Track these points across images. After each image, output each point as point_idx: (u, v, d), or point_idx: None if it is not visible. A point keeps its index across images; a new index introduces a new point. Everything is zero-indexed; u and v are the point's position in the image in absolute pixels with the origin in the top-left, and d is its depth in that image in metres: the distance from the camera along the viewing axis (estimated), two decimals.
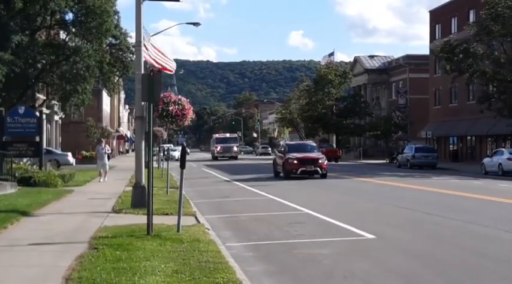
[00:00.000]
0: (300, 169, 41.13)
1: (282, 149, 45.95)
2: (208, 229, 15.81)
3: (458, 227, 17.35)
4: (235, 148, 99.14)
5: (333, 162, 74.26)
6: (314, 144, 50.85)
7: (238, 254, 12.61)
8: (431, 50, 77.92)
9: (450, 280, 10.66)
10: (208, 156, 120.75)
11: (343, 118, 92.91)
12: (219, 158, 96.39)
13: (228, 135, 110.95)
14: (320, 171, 41.08)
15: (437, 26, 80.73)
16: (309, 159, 41.98)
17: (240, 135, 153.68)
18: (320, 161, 41.69)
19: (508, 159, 46.12)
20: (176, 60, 24.34)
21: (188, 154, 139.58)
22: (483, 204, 24.07)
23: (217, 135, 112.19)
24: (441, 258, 12.81)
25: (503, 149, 50.93)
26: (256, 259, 12.57)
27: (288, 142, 62.65)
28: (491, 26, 48.96)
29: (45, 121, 45.55)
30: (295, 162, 41.41)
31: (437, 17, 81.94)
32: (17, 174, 31.03)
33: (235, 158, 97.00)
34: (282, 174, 42.81)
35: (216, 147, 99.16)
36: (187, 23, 77.45)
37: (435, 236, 15.72)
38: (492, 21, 48.86)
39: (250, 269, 11.18)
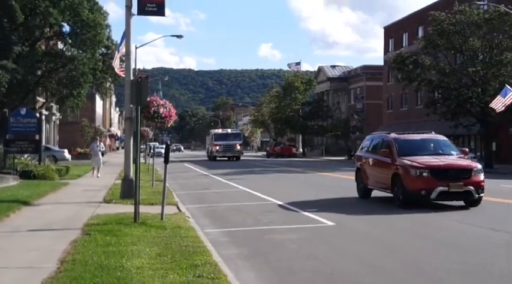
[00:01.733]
0: (437, 190, 18.47)
1: (385, 146, 21.77)
2: (189, 217, 15.80)
3: (409, 216, 17.44)
4: (238, 147, 74.63)
5: (287, 159, 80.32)
6: (443, 138, 24.13)
7: (215, 240, 12.64)
8: (385, 61, 78.85)
9: (401, 262, 10.72)
10: (198, 154, 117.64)
11: (308, 121, 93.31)
12: (218, 158, 72.08)
13: (229, 130, 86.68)
14: (475, 193, 18.66)
15: (390, 40, 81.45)
16: (454, 169, 19.55)
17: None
18: (474, 175, 19.30)
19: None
20: (161, 68, 24.72)
21: (181, 151, 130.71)
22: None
23: (216, 130, 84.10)
24: (392, 242, 12.91)
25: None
26: (231, 244, 12.61)
27: (396, 136, 22.44)
28: (437, 41, 49.35)
29: (44, 122, 45.34)
30: (428, 176, 18.89)
31: (390, 32, 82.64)
32: (18, 168, 30.99)
33: (238, 158, 73.42)
34: (399, 198, 19.47)
35: (215, 145, 72.57)
36: (171, 35, 77.47)
37: (387, 223, 15.83)
38: (438, 37, 49.23)
39: (225, 252, 11.21)
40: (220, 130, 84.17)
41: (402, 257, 11.15)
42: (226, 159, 71.63)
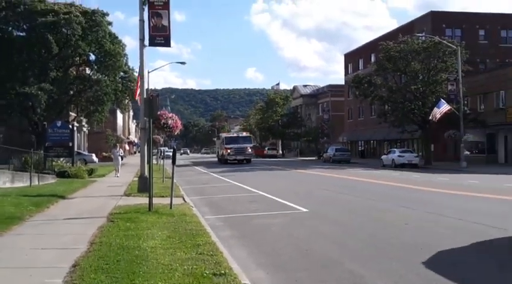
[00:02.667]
0: None
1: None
2: (192, 207, 15.80)
3: (365, 203, 17.53)
4: (249, 150, 60.93)
5: (270, 159, 78.84)
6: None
7: (212, 224, 12.62)
8: (345, 81, 79.37)
9: (360, 240, 10.78)
10: (205, 158, 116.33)
11: (285, 129, 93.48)
12: (229, 161, 58.24)
13: (240, 133, 69.64)
14: None
15: (349, 64, 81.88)
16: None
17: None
18: None
19: (398, 156, 46.99)
20: (168, 88, 24.71)
21: (188, 154, 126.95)
22: (382, 187, 24.34)
23: (227, 134, 71.69)
24: (353, 224, 12.97)
25: (395, 149, 51.80)
26: (225, 227, 12.59)
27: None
28: (386, 65, 49.73)
29: (75, 132, 45.17)
30: None
31: (349, 58, 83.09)
32: (56, 169, 31.08)
33: (249, 161, 59.23)
34: None
35: (226, 149, 59.54)
36: (176, 62, 77.60)
37: (348, 210, 15.87)
38: (387, 61, 49.57)
39: (221, 234, 11.21)
40: (231, 134, 70.73)
41: (360, 236, 11.22)
42: (236, 162, 57.60)
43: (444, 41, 46.74)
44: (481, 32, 59.61)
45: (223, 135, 68.03)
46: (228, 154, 57.45)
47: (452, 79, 45.89)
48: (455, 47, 45.00)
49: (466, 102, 46.26)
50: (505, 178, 28.84)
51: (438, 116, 41.86)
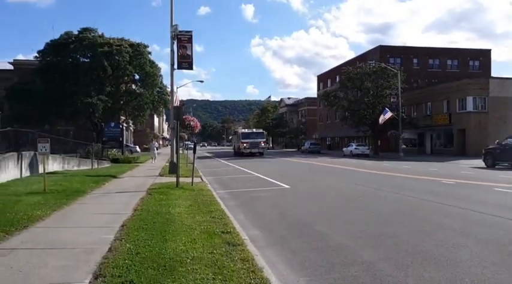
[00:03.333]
0: None
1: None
2: (207, 184, 15.78)
3: (330, 182, 17.55)
4: (262, 144, 51.68)
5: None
6: None
7: (221, 196, 12.61)
8: (318, 95, 78.94)
9: (325, 208, 10.79)
10: (215, 148, 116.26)
11: (275, 128, 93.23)
12: (245, 154, 49.08)
13: (254, 129, 59.85)
14: None
15: (320, 83, 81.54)
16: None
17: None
18: None
19: (355, 148, 47.10)
20: (191, 100, 24.71)
21: (206, 146, 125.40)
22: (345, 171, 24.34)
23: (243, 130, 60.36)
24: (321, 197, 12.99)
25: (352, 143, 51.64)
26: (230, 198, 12.57)
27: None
28: (347, 83, 49.73)
29: (124, 130, 45.07)
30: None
31: (320, 78, 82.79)
32: (110, 157, 31.01)
33: (262, 154, 49.65)
34: None
35: (242, 143, 50.46)
36: (197, 81, 77.08)
37: (317, 186, 15.90)
38: (347, 81, 49.56)
39: (227, 203, 11.17)
40: (246, 130, 58.02)
41: (326, 205, 11.24)
42: (250, 154, 48.12)
43: (388, 67, 46.69)
44: (415, 60, 59.58)
45: (240, 130, 56.57)
46: (244, 147, 47.98)
47: (394, 94, 45.88)
48: (396, 71, 44.97)
49: (403, 110, 46.21)
50: (429, 164, 28.91)
51: (383, 120, 41.94)
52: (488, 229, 7.85)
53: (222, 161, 36.94)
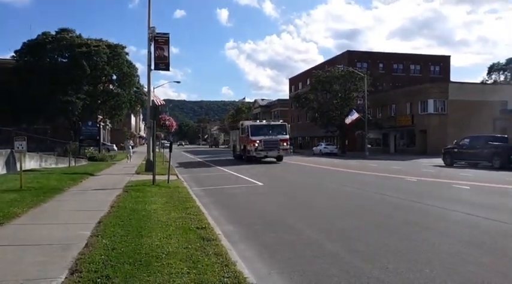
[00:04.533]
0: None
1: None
2: (183, 181, 15.64)
3: (300, 178, 17.67)
4: (285, 144, 29.39)
5: None
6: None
7: (197, 193, 12.52)
8: (290, 97, 79.51)
9: (298, 206, 10.84)
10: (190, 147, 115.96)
11: None
12: (256, 158, 29.09)
13: (271, 121, 34.13)
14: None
15: (292, 86, 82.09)
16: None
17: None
18: None
19: (324, 147, 47.71)
20: (167, 100, 24.40)
21: (183, 145, 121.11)
22: (312, 168, 24.55)
23: (251, 122, 32.50)
24: (292, 193, 13.06)
25: (322, 143, 52.32)
26: (205, 195, 12.49)
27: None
28: (317, 86, 50.19)
29: (101, 129, 44.22)
30: None
31: (292, 81, 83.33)
32: (87, 155, 30.33)
33: (281, 159, 30.37)
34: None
35: (253, 142, 28.75)
36: (173, 81, 77.14)
37: (289, 183, 15.98)
38: (317, 84, 50.02)
39: (203, 200, 11.08)
40: (258, 122, 33.40)
41: (296, 201, 11.30)
42: (264, 157, 29.60)
43: (356, 71, 47.37)
44: (380, 65, 60.70)
45: (248, 123, 32.39)
46: (256, 149, 28.76)
47: (361, 96, 46.49)
48: (363, 75, 45.64)
49: (369, 112, 46.95)
50: (393, 163, 29.47)
51: (350, 121, 42.48)
52: (448, 223, 8.06)
53: (198, 159, 36.56)
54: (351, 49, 65.78)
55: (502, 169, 22.06)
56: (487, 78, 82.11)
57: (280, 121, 31.72)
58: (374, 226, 7.78)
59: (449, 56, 65.46)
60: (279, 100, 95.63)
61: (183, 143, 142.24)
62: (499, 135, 26.85)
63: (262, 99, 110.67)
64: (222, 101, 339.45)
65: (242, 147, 31.92)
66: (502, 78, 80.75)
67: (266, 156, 29.42)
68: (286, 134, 29.69)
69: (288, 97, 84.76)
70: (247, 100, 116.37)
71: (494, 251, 6.01)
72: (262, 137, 28.91)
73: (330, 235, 7.07)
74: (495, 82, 75.85)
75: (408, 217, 8.56)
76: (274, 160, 30.06)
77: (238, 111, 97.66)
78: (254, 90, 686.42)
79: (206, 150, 71.02)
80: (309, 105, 51.90)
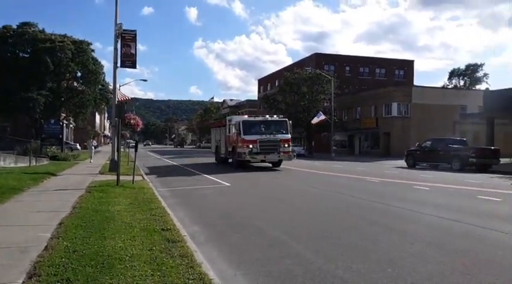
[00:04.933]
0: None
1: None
2: (148, 182, 15.38)
3: (267, 181, 17.71)
4: (286, 145, 23.04)
5: (199, 149, 74.75)
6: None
7: (163, 194, 12.35)
8: (258, 98, 79.66)
9: (265, 207, 10.86)
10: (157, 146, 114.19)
11: None
12: (251, 163, 23.97)
13: (268, 116, 24.82)
14: None
15: (261, 86, 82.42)
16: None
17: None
18: None
19: (297, 147, 47.85)
20: (134, 98, 23.89)
21: (150, 145, 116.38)
22: (282, 169, 24.69)
23: (244, 118, 25.11)
24: (261, 194, 13.08)
25: (298, 145, 52.61)
26: (172, 196, 12.35)
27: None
28: (285, 88, 50.43)
29: (65, 127, 42.96)
30: None
31: (261, 82, 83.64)
32: (49, 154, 29.29)
33: (279, 164, 24.64)
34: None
35: (245, 143, 22.20)
36: (140, 80, 75.29)
37: (254, 184, 16.00)
38: (285, 85, 50.30)
39: (168, 201, 10.94)
40: (253, 117, 25.87)
41: (265, 203, 11.32)
42: (260, 162, 24.20)
43: (323, 73, 48.01)
44: (347, 68, 61.87)
45: (239, 118, 25.67)
46: (250, 151, 22.68)
47: (328, 98, 47.19)
48: (330, 78, 46.30)
49: (335, 114, 47.71)
50: (358, 164, 30.06)
51: (316, 122, 42.96)
52: (410, 224, 8.28)
53: (165, 159, 36.04)
54: (318, 52, 66.67)
55: (461, 171, 22.92)
56: (448, 83, 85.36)
57: (281, 117, 25.59)
58: (339, 227, 7.89)
59: (413, 61, 67.42)
60: (247, 100, 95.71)
61: (150, 143, 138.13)
62: (458, 138, 27.90)
63: (231, 99, 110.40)
64: (190, 100, 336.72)
65: (230, 149, 25.11)
66: (462, 83, 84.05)
67: (263, 161, 23.40)
68: (287, 133, 23.79)
69: (256, 98, 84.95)
70: (216, 100, 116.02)
71: (453, 251, 6.21)
72: (258, 136, 22.72)
73: (296, 236, 7.11)
74: (455, 87, 78.85)
75: (372, 218, 8.73)
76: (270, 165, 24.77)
77: (206, 110, 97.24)
78: (223, 90, 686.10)
79: (172, 150, 70.26)
80: (277, 106, 52.07)
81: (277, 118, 24.90)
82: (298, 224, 8.11)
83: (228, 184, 15.41)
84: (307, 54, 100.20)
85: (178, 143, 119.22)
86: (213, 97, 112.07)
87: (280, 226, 7.92)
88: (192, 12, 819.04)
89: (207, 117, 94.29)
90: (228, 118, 27.49)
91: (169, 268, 4.92)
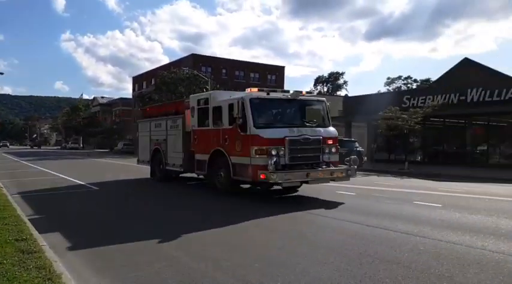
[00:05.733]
0: None
1: None
2: (2, 188, 13.65)
3: (136, 181, 17.10)
4: (333, 150, 10.51)
5: (73, 150, 71.31)
6: None
7: (18, 201, 11.10)
8: (133, 96, 76.71)
9: (128, 209, 10.45)
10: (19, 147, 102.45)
11: (87, 128, 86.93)
12: (269, 190, 11.37)
13: (294, 94, 10.85)
14: None
15: (136, 84, 79.28)
16: None
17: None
18: None
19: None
20: None
21: (8, 147, 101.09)
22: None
23: (256, 92, 10.40)
24: (127, 198, 12.58)
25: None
26: (28, 201, 11.14)
27: None
28: (162, 86, 49.59)
29: None
30: None
31: (136, 80, 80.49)
32: None
33: (295, 190, 11.50)
34: None
35: (264, 143, 9.35)
36: None
37: (122, 187, 15.35)
38: (162, 85, 49.47)
39: (25, 208, 9.90)
40: (265, 93, 10.37)
41: (129, 205, 10.93)
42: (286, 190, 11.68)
43: (200, 74, 48.32)
44: (224, 71, 63.11)
45: (237, 95, 11.23)
46: (275, 162, 9.43)
47: None
48: (207, 79, 46.79)
49: None
50: None
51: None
52: (318, 231, 8.73)
53: (23, 162, 32.48)
54: (195, 52, 67.00)
55: None
56: (314, 89, 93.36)
57: (313, 94, 12.14)
58: (216, 227, 7.98)
59: (283, 67, 71.57)
60: (121, 98, 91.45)
61: (8, 144, 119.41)
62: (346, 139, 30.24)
63: (102, 97, 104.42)
64: (55, 97, 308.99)
65: (205, 157, 12.58)
66: (325, 89, 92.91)
67: (306, 182, 10.63)
68: (330, 125, 11.85)
69: (131, 96, 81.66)
70: (85, 97, 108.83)
71: (351, 255, 6.73)
72: (285, 132, 10.46)
73: (166, 238, 6.98)
74: (320, 92, 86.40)
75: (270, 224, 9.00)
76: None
77: (74, 108, 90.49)
78: (93, 86, 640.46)
79: (33, 152, 63.86)
80: (150, 104, 50.96)
81: (311, 97, 12.43)
82: (169, 226, 7.97)
83: (97, 188, 14.50)
84: (185, 54, 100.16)
85: (34, 144, 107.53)
86: (82, 94, 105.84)
87: (148, 228, 7.70)
88: (59, 2, 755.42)
89: (74, 115, 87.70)
90: (201, 96, 13.57)
91: (22, 282, 4.46)
